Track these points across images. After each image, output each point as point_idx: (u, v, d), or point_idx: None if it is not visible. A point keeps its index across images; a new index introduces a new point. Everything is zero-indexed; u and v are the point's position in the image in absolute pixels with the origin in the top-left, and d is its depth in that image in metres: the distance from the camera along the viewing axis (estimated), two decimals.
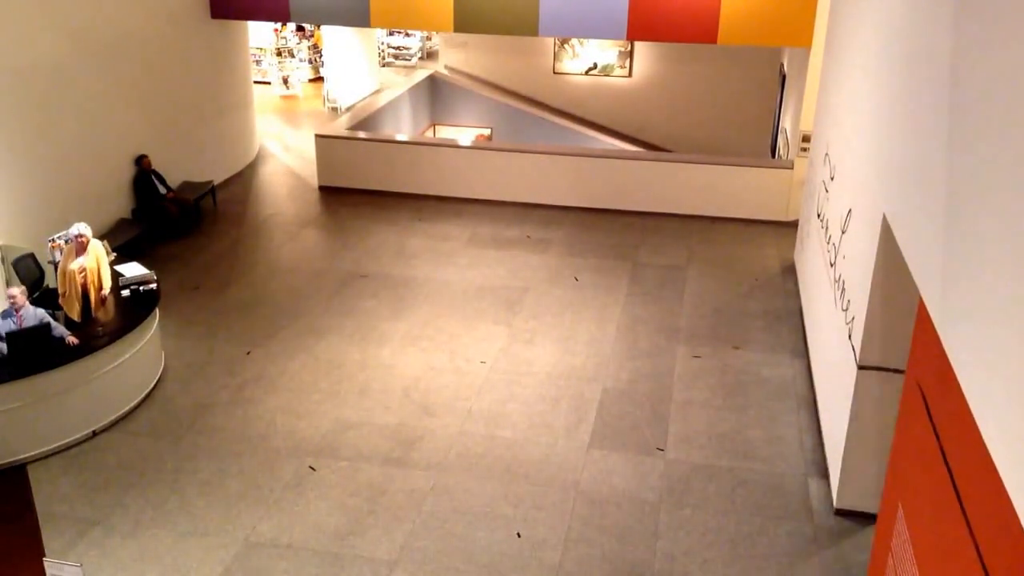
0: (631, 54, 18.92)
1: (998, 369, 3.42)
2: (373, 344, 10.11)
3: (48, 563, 5.74)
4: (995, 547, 3.56)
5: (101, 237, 10.50)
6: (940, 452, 4.47)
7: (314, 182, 15.22)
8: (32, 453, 8.06)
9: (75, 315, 8.90)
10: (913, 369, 5.35)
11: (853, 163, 7.92)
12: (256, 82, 18.52)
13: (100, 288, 9.05)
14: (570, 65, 19.28)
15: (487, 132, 19.74)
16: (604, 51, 18.97)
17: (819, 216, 9.84)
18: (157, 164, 13.00)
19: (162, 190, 12.95)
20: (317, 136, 15.09)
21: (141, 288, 9.33)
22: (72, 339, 8.35)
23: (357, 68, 20.08)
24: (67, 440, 8.25)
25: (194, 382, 9.38)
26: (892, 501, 5.50)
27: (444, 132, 20.01)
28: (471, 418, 8.79)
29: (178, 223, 12.91)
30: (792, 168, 13.43)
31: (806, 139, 12.77)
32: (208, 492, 7.72)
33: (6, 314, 8.27)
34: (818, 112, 11.31)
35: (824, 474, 7.95)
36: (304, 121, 19.53)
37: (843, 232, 8.08)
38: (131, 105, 12.69)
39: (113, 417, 8.61)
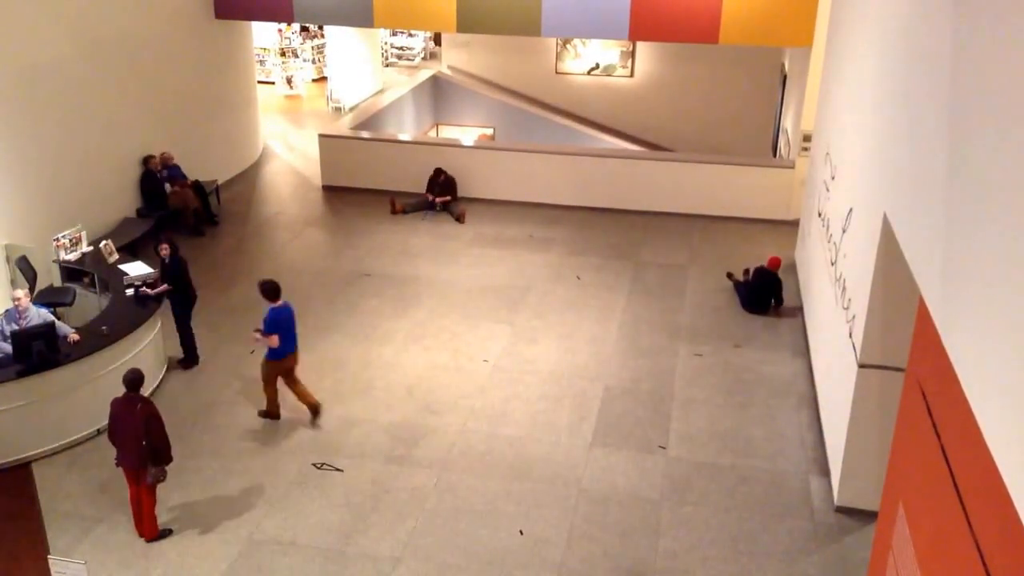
0: (633, 54, 18.92)
1: (998, 367, 3.44)
2: (376, 343, 10.14)
3: (52, 560, 5.77)
4: (995, 544, 3.58)
5: (105, 237, 10.55)
6: (940, 450, 4.49)
7: (317, 181, 15.25)
8: (37, 451, 8.11)
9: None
10: (913, 367, 5.37)
11: (854, 162, 7.94)
12: (260, 82, 18.55)
13: None
14: (572, 65, 19.28)
15: (490, 132, 19.75)
16: (606, 51, 18.97)
17: (820, 215, 9.86)
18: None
19: (167, 187, 12.97)
20: (321, 136, 15.13)
21: (145, 287, 9.35)
22: (74, 336, 8.40)
23: (360, 68, 20.12)
24: (72, 438, 8.30)
25: (197, 380, 9.42)
26: (893, 499, 5.52)
27: (447, 132, 20.03)
28: (474, 416, 8.82)
29: (187, 217, 12.96)
30: (793, 167, 13.44)
31: (807, 138, 12.78)
32: (212, 490, 7.75)
33: (10, 317, 8.31)
34: (819, 112, 11.32)
35: (825, 472, 7.97)
36: (308, 121, 19.55)
37: (844, 231, 8.10)
38: (135, 105, 12.73)
39: None
